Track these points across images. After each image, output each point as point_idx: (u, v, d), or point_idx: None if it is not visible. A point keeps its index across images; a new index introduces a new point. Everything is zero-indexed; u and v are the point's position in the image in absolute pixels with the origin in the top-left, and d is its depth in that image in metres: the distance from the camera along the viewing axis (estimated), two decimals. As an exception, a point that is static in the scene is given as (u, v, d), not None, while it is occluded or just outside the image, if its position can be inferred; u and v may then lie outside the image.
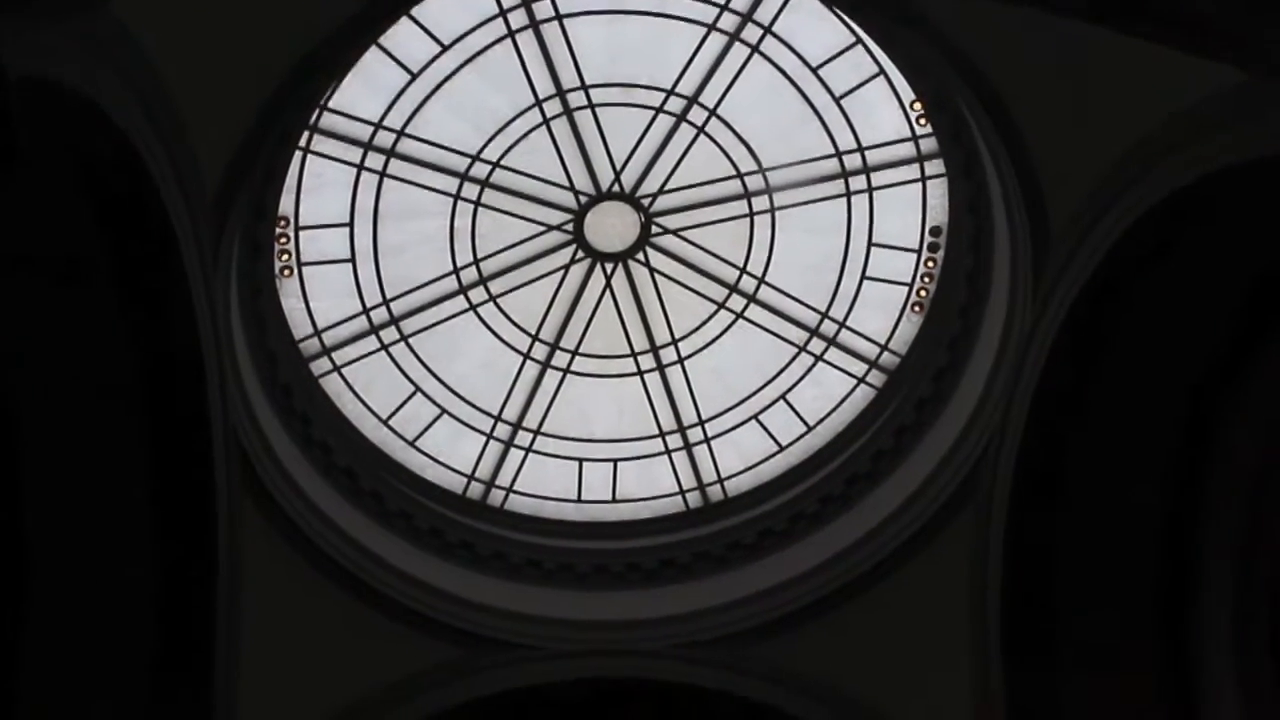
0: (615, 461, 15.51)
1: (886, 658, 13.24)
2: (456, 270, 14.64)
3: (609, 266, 14.88)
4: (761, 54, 13.75)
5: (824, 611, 13.62)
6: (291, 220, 13.65)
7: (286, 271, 13.70)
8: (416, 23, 13.10)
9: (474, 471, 15.11)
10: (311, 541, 12.86)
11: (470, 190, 14.26)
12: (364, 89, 13.50)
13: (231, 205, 10.87)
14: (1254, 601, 11.54)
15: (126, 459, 10.83)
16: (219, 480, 11.26)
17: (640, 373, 15.30)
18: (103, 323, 10.19)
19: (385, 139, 13.84)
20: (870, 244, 14.49)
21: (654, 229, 14.66)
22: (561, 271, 14.84)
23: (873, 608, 13.45)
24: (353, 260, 14.27)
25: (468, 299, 14.77)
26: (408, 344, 14.72)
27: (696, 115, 14.16)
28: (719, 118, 14.16)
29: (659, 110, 14.18)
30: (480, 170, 14.21)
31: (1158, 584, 12.27)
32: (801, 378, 15.08)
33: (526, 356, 15.10)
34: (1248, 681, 11.48)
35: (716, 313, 15.05)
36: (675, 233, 14.72)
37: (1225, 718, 11.73)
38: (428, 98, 13.72)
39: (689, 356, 15.22)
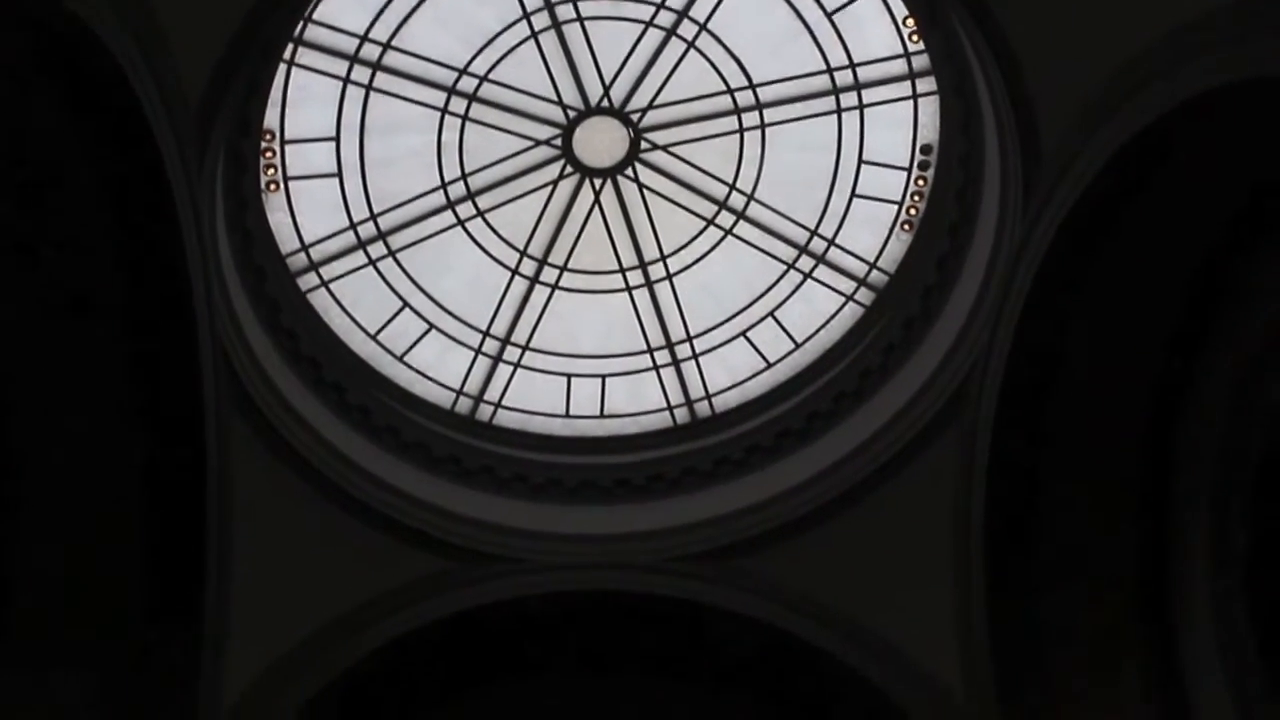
0: (603, 377, 15.55)
1: (871, 572, 13.37)
2: (444, 185, 14.52)
3: (597, 182, 14.78)
4: (754, -33, 13.57)
5: (810, 526, 13.72)
6: (276, 134, 13.50)
7: (272, 186, 13.58)
8: (402, -68, 12.91)
9: (462, 386, 15.14)
10: (300, 455, 12.88)
11: (458, 104, 14.10)
12: (348, 0, 13.29)
13: (215, 118, 10.73)
14: (1232, 519, 11.63)
15: (112, 373, 10.80)
16: (207, 394, 11.25)
17: (628, 289, 15.28)
18: (86, 236, 10.11)
19: (371, 52, 13.64)
20: (860, 161, 14.39)
21: (643, 145, 14.53)
22: (550, 187, 14.74)
23: (858, 523, 13.55)
24: (339, 175, 14.13)
25: (455, 214, 14.68)
26: (395, 259, 14.66)
27: (686, 30, 13.97)
28: (709, 32, 13.96)
29: (649, 24, 13.97)
30: (467, 84, 14.03)
31: (1142, 500, 12.38)
32: (790, 295, 15.07)
33: (514, 272, 15.06)
34: (1221, 598, 11.63)
35: (705, 229, 14.99)
36: (664, 148, 14.59)
37: (1200, 634, 11.91)
38: (414, 10, 13.50)
39: (677, 273, 15.19)
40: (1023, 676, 12.41)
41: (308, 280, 14.17)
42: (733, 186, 14.74)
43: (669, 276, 15.19)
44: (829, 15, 13.69)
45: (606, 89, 14.18)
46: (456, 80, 13.98)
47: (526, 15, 13.75)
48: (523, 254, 14.99)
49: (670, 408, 15.43)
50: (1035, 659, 12.44)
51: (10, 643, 11.17)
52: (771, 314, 15.16)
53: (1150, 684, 12.36)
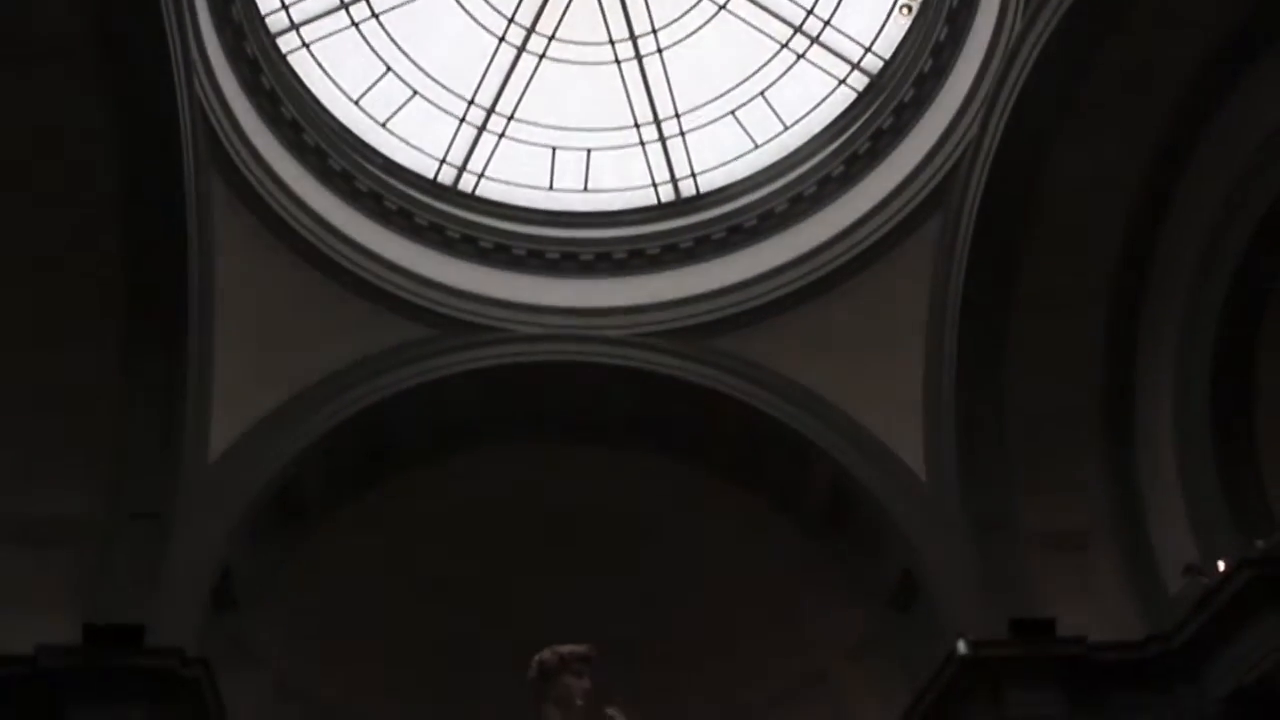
0: (589, 151, 15.36)
1: (845, 357, 13.56)
2: (430, -55, 14.04)
3: (590, -52, 14.30)
4: None
5: (787, 309, 13.85)
6: (255, -122, 12.89)
7: (251, -62, 13.03)
8: None
9: (445, 155, 14.95)
10: (281, 219, 12.80)
11: None
12: None
13: None
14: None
15: (86, 131, 10.56)
16: (185, 153, 11.03)
17: (617, 61, 14.93)
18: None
19: None
20: (863, -61, 13.95)
21: (639, -91, 14.00)
22: (540, -50, 14.27)
23: (835, 308, 13.67)
24: (321, -73, 13.62)
25: (442, -24, 14.23)
26: (379, 21, 14.24)
27: None
28: None
29: None
30: None
31: (1115, 301, 12.52)
32: (782, 75, 14.79)
33: (502, 40, 14.68)
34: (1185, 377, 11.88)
35: (699, 3, 14.56)
36: (661, -85, 14.07)
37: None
38: None
39: (668, 47, 14.84)
40: (985, 460, 12.73)
41: (288, 41, 13.75)
42: (729, -42, 14.30)
43: (659, 51, 14.84)
44: None
45: None
46: None
47: None
48: (510, 21, 14.57)
49: (654, 184, 15.30)
50: (998, 444, 12.75)
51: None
52: (762, 94, 14.91)
53: (1110, 475, 12.77)
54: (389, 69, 14.43)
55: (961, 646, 11.74)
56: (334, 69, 14.15)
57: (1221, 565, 11.06)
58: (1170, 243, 12.05)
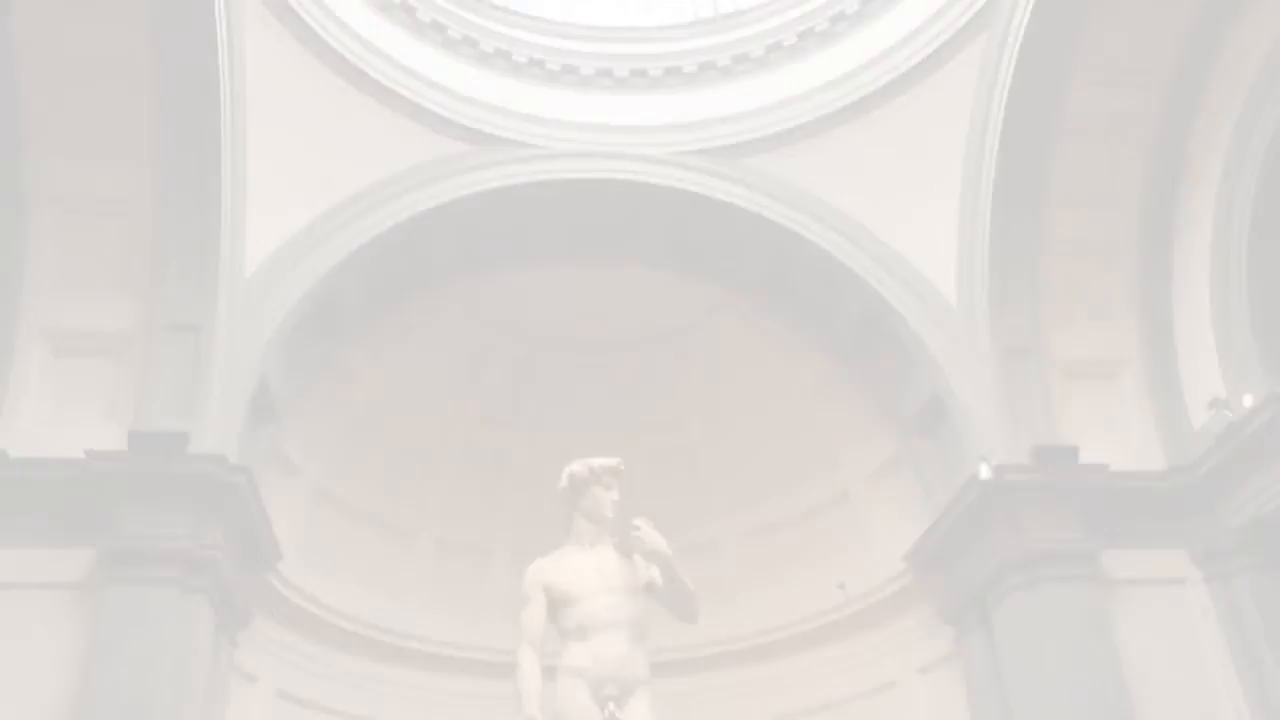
0: (626, -37, 14.98)
1: (881, 180, 13.46)
2: None
3: None
4: None
5: (824, 130, 13.70)
6: None
7: None
8: None
9: (479, -34, 14.57)
10: (314, 31, 12.60)
11: None
12: None
13: None
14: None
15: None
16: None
17: None
18: None
19: None
20: None
21: None
22: None
23: (873, 130, 13.50)
24: None
25: None
26: None
27: None
28: None
29: None
30: None
31: (1158, 133, 12.31)
32: (827, -114, 14.23)
33: None
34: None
35: None
36: None
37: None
38: None
39: None
40: (1016, 287, 12.75)
41: None
42: None
43: None
44: None
45: None
46: None
47: None
48: None
49: (693, -1, 14.95)
50: (1031, 271, 12.73)
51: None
52: (806, -95, 14.38)
53: (1141, 306, 12.75)
54: (421, -126, 13.93)
55: (984, 471, 11.96)
56: (362, -127, 13.69)
57: (1247, 400, 11.17)
58: (1221, 75, 11.77)
